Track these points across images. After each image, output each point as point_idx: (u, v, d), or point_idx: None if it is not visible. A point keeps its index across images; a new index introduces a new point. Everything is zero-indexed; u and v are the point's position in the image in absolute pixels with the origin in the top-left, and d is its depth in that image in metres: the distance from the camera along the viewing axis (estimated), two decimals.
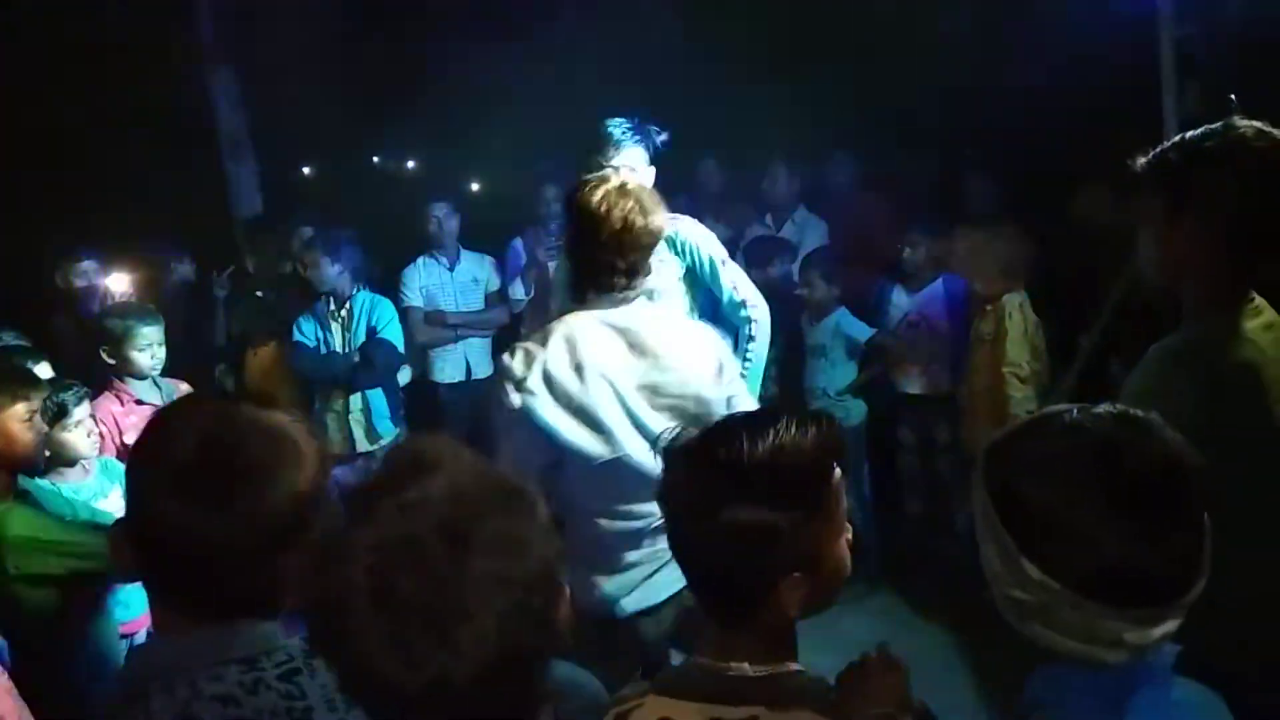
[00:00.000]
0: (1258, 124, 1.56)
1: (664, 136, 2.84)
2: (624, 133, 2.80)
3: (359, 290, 4.30)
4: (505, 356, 2.17)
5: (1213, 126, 1.58)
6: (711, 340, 2.28)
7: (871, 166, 5.28)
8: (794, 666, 1.20)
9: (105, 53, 5.97)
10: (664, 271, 2.80)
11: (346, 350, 4.22)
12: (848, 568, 1.22)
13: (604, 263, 2.12)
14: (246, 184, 6.01)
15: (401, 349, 4.24)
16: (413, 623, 0.83)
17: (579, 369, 2.07)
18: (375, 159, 9.61)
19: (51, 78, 6.04)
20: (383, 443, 4.24)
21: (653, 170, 2.88)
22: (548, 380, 2.07)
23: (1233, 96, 1.62)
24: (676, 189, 5.20)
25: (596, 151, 2.81)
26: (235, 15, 5.81)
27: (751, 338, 2.96)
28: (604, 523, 2.17)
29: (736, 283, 2.99)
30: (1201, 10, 3.51)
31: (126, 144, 6.17)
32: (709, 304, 3.01)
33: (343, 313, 4.24)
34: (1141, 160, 1.63)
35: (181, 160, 6.03)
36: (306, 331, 4.26)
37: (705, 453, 1.16)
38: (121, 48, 5.89)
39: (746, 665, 1.16)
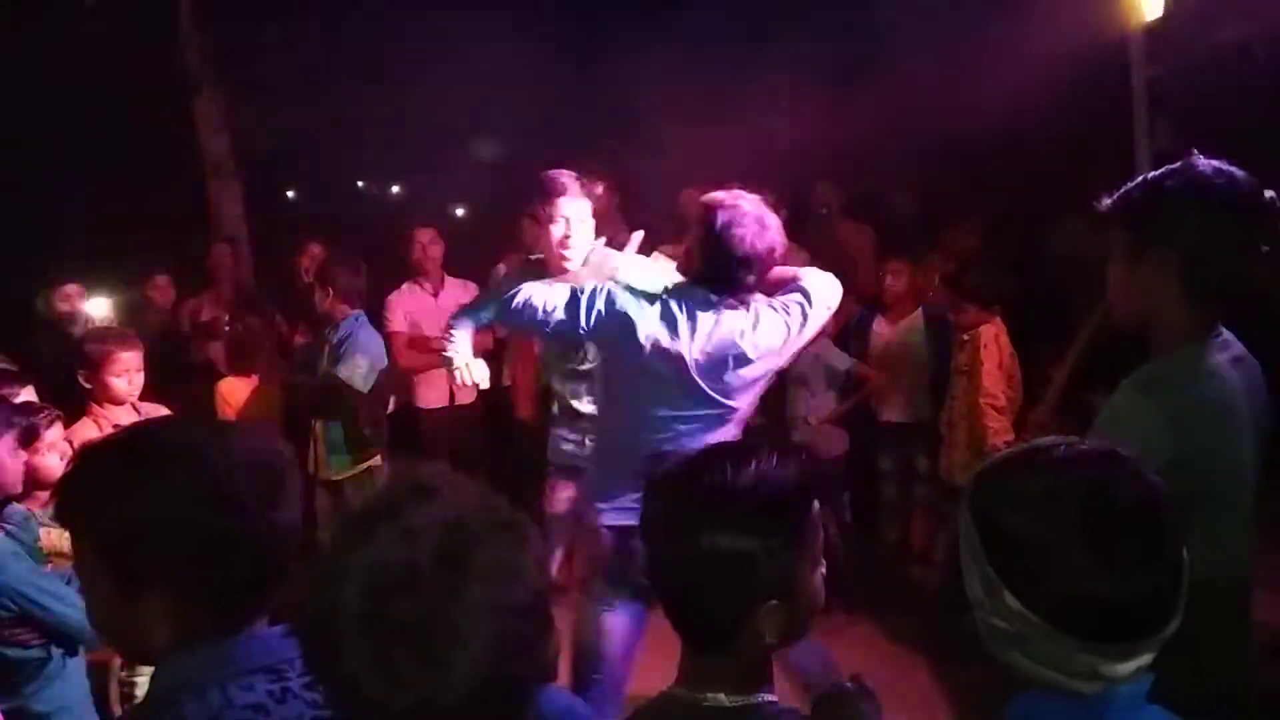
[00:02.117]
0: (1216, 162, 1.60)
1: (599, 189, 3.07)
2: (569, 181, 2.93)
3: (352, 317, 4.23)
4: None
5: (1173, 166, 1.63)
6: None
7: (853, 198, 5.34)
8: (769, 697, 1.21)
9: (91, 78, 5.98)
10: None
11: (321, 375, 4.20)
12: (821, 599, 1.24)
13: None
14: (230, 207, 6.01)
15: (360, 384, 4.09)
16: (402, 645, 0.85)
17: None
18: (360, 183, 9.64)
19: (37, 104, 6.04)
20: (333, 475, 4.17)
21: (593, 221, 3.01)
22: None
23: (1194, 151, 1.67)
24: (661, 217, 5.26)
25: (539, 199, 2.93)
26: (220, 40, 5.84)
27: None
28: (659, 437, 2.44)
29: None
30: (1171, 52, 3.61)
31: (111, 167, 6.16)
32: None
33: (331, 335, 4.23)
34: (1107, 199, 1.68)
35: (166, 184, 6.03)
36: (307, 352, 4.33)
37: (688, 479, 1.19)
38: (107, 72, 5.90)
39: (722, 695, 1.17)
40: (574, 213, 2.92)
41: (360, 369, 4.07)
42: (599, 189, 5.09)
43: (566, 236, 2.92)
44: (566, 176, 2.94)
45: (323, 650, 0.88)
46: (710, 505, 1.15)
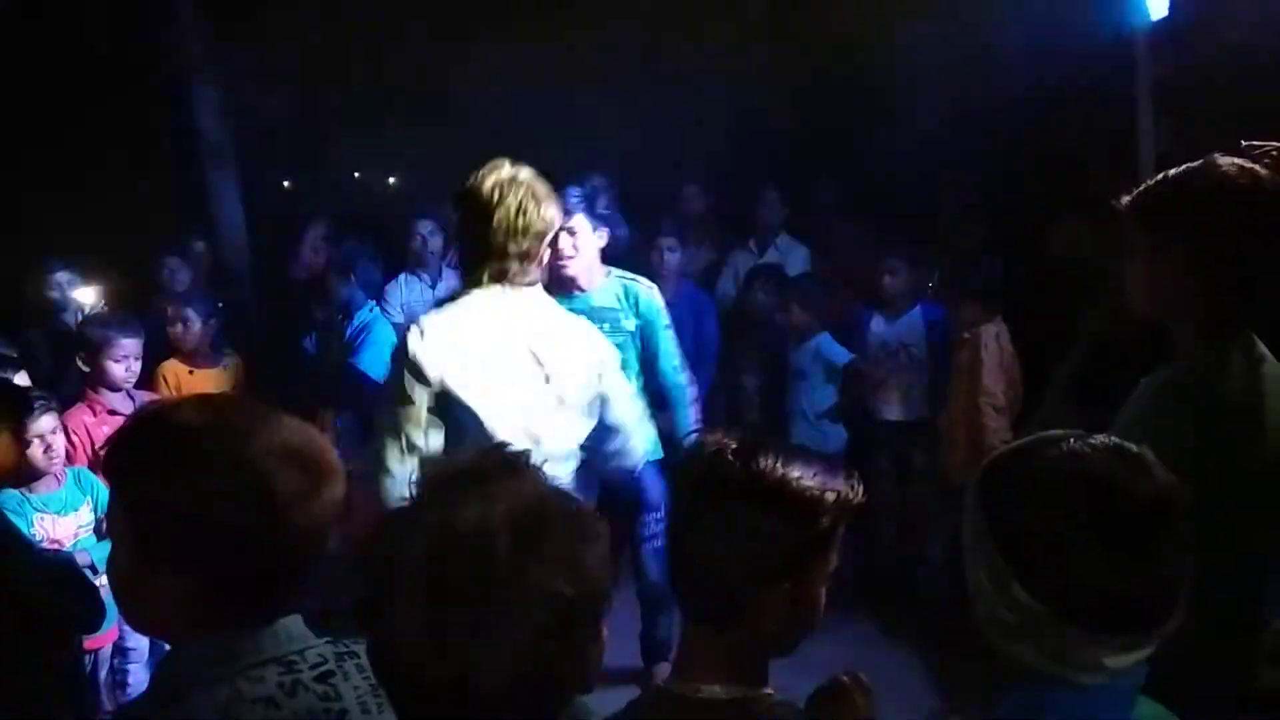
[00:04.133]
0: (1239, 160, 1.58)
1: (607, 213, 3.29)
2: (574, 201, 3.13)
3: (367, 307, 4.27)
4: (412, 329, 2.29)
5: (1194, 164, 1.60)
6: (596, 339, 2.47)
7: (852, 194, 5.33)
8: (765, 690, 1.21)
9: (89, 62, 5.95)
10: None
11: (333, 364, 4.20)
12: (821, 612, 1.23)
13: (497, 248, 2.23)
14: (228, 195, 5.97)
15: (377, 374, 4.14)
16: (455, 614, 0.83)
17: (458, 345, 2.21)
18: (356, 174, 9.60)
19: (34, 88, 6.00)
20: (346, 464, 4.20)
21: (602, 233, 3.24)
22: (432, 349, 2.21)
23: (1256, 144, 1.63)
24: (660, 212, 5.26)
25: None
26: (220, 26, 5.81)
27: (693, 401, 3.43)
28: None
29: (673, 352, 3.39)
30: (1176, 50, 3.59)
31: (109, 153, 6.13)
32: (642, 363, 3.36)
33: (345, 325, 4.24)
34: (1126, 197, 1.65)
35: (163, 170, 6.00)
36: (311, 340, 4.31)
37: (738, 458, 1.17)
38: (105, 57, 5.87)
39: (718, 688, 1.17)
40: (575, 225, 3.11)
41: (378, 359, 4.11)
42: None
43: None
44: (570, 193, 3.08)
45: (376, 601, 0.87)
46: (752, 482, 1.14)
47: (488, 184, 2.24)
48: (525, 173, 2.29)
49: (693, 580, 1.20)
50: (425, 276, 4.91)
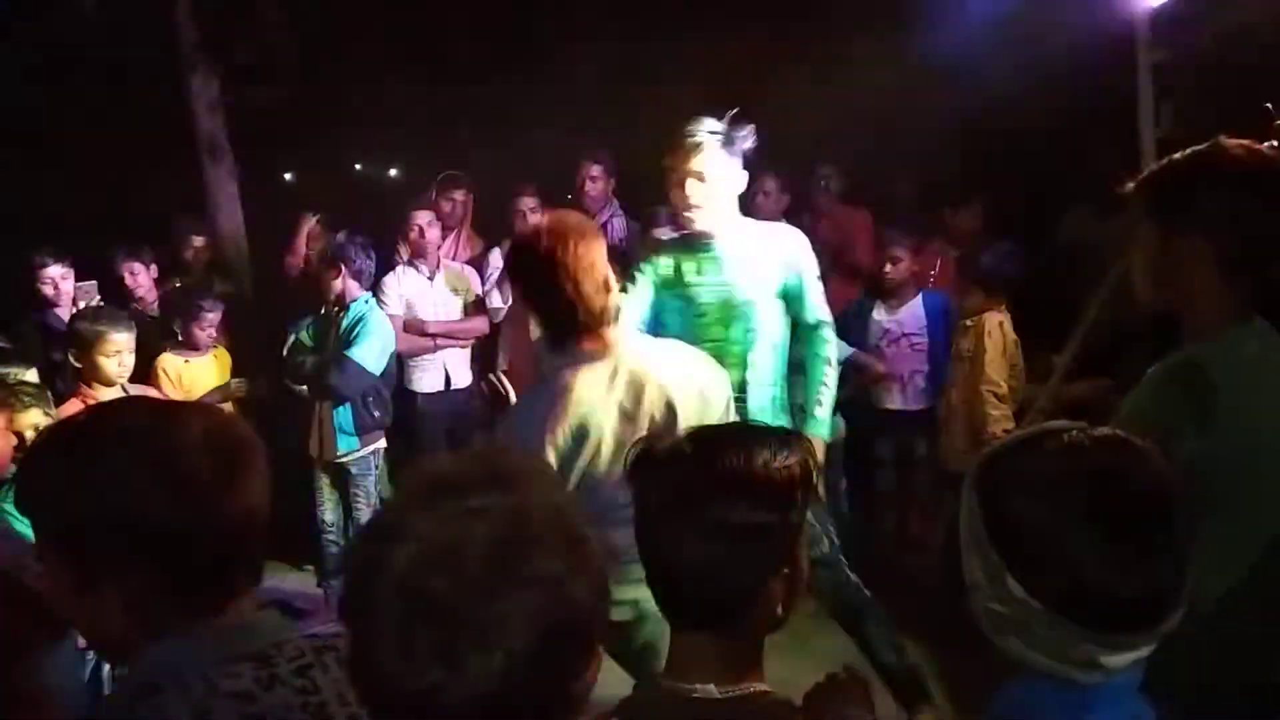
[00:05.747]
0: (1246, 142, 1.54)
1: (750, 142, 2.75)
2: (708, 136, 2.69)
3: (363, 299, 4.25)
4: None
5: (1201, 148, 1.57)
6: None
7: (853, 182, 5.30)
8: (760, 687, 1.19)
9: (83, 55, 5.93)
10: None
11: (329, 356, 4.19)
12: (808, 574, 1.23)
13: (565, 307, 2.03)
14: (225, 188, 5.95)
15: (374, 367, 4.14)
16: (428, 625, 0.81)
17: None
18: (358, 166, 9.58)
19: (27, 79, 5.98)
20: (342, 456, 4.21)
21: (743, 176, 2.80)
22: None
23: (1269, 105, 1.59)
24: (658, 201, 5.23)
25: (673, 155, 2.72)
26: (215, 17, 5.78)
27: (828, 360, 3.05)
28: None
29: (820, 302, 3.00)
30: (1176, 35, 3.56)
31: (103, 146, 6.10)
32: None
33: (341, 317, 4.22)
34: (1130, 183, 1.63)
35: (159, 163, 5.98)
36: (307, 333, 4.29)
37: (701, 458, 1.17)
38: (100, 49, 5.84)
39: (713, 687, 1.15)
40: (707, 168, 2.70)
41: (373, 351, 4.09)
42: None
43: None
44: (702, 127, 2.70)
45: (356, 603, 0.86)
46: (730, 480, 1.14)
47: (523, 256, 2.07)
48: (559, 226, 2.06)
49: (683, 590, 1.18)
50: (423, 268, 4.89)
